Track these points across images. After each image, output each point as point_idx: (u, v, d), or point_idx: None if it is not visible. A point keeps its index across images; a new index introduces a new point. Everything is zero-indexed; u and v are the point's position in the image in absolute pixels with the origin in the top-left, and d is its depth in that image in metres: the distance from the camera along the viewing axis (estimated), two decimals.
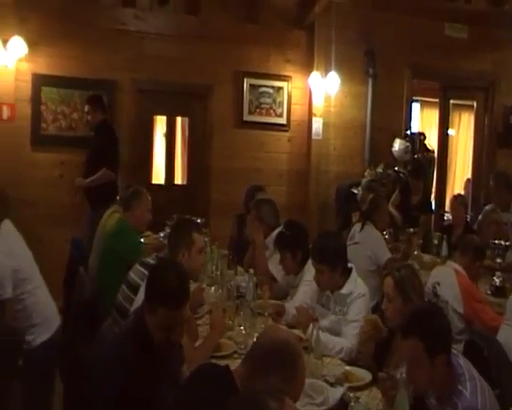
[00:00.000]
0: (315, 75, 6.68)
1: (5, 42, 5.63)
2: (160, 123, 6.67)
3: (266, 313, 3.30)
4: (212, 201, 6.55)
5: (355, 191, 6.11)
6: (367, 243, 4.74)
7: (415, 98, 7.84)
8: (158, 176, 6.66)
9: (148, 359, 2.23)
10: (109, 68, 6.14)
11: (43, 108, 5.97)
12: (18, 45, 5.68)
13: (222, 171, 6.55)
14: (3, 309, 2.90)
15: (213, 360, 2.66)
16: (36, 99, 5.93)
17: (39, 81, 5.94)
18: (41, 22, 5.90)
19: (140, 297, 2.92)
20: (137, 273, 3.37)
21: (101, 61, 6.10)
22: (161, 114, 6.63)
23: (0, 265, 2.96)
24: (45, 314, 3.19)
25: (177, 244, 3.14)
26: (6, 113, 5.74)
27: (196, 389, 1.98)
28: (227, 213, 5.81)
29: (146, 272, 3.26)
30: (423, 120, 9.72)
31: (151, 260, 3.39)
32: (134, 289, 3.29)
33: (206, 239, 4.65)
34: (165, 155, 6.66)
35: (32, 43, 5.82)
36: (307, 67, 6.81)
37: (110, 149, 5.66)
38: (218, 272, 3.96)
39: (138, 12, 6.32)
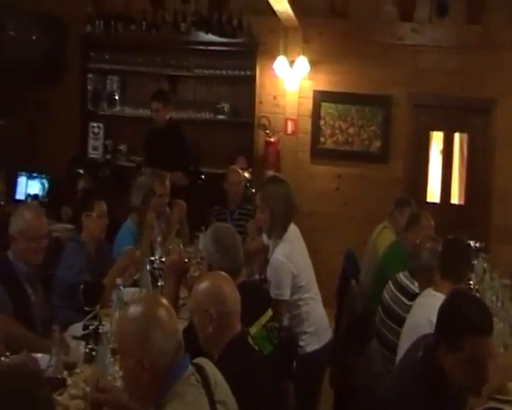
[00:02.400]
0: None
1: (292, 63, 6.08)
2: (437, 139, 6.42)
3: None
4: (493, 224, 6.02)
5: None
6: None
7: None
8: (433, 194, 6.41)
9: (442, 404, 2.08)
10: (385, 83, 6.16)
11: (322, 123, 6.26)
12: (302, 65, 6.08)
13: (505, 192, 5.98)
14: (281, 309, 3.05)
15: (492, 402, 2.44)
16: (316, 115, 6.25)
17: (319, 97, 6.24)
18: (323, 42, 6.22)
19: (407, 333, 2.82)
20: (392, 297, 3.31)
21: (378, 76, 6.15)
22: (438, 129, 6.37)
23: (282, 266, 3.13)
24: (317, 326, 3.26)
25: (462, 272, 2.94)
26: (290, 127, 6.19)
27: None
28: (511, 238, 5.31)
29: (401, 296, 3.22)
30: None
31: (404, 278, 3.30)
32: (388, 312, 3.27)
33: (485, 265, 4.32)
34: (442, 173, 6.36)
35: (314, 63, 6.17)
36: None
37: (184, 151, 5.35)
38: (499, 304, 3.62)
39: (415, 25, 6.20)
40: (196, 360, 1.88)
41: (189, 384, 1.74)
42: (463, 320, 2.08)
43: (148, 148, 5.50)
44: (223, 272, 2.43)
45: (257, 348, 2.42)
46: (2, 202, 4.70)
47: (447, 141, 6.36)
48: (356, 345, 3.57)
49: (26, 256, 2.97)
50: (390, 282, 3.42)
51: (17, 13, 6.14)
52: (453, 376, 2.07)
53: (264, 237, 3.59)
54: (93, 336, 2.63)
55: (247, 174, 5.34)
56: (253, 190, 5.30)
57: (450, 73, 6.05)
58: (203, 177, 5.80)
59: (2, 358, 2.00)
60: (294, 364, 2.96)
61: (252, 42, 6.14)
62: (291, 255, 3.18)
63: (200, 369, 1.82)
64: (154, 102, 5.41)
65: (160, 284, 3.26)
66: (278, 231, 3.24)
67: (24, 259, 2.98)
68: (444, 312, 2.19)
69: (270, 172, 5.80)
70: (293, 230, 3.30)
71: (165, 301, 1.87)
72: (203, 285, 2.28)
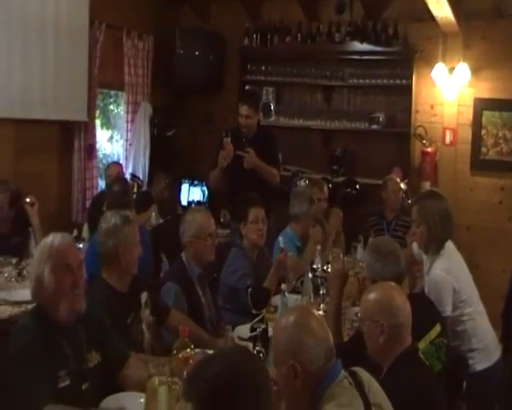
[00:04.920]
0: None
1: (451, 70, 5.84)
2: None
3: None
4: None
5: None
6: None
7: None
8: None
9: None
10: None
11: (483, 132, 5.92)
12: (462, 72, 5.82)
13: None
14: (445, 326, 2.94)
15: None
16: (477, 123, 5.93)
17: (481, 105, 5.91)
18: (486, 47, 5.88)
19: None
20: None
21: None
22: None
23: (442, 280, 3.01)
24: (485, 342, 3.10)
25: None
26: (449, 137, 5.94)
27: None
28: None
29: None
30: None
31: None
32: None
33: None
34: None
35: (475, 69, 5.86)
36: None
37: (277, 161, 4.82)
38: None
39: None
40: (350, 368, 1.90)
41: (343, 387, 1.78)
42: None
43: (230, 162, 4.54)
44: (393, 283, 2.40)
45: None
46: (179, 212, 5.05)
47: None
48: None
49: (202, 256, 3.19)
50: None
51: (184, 31, 6.58)
52: None
53: (415, 250, 3.49)
54: (260, 339, 2.72)
55: (403, 185, 5.22)
56: (409, 202, 5.18)
57: None
58: (358, 187, 5.78)
59: (188, 350, 2.16)
60: (465, 383, 2.83)
61: (408, 50, 5.99)
62: (451, 270, 3.07)
63: (352, 373, 1.85)
64: (244, 105, 4.62)
65: (321, 292, 3.29)
66: (435, 247, 3.15)
67: (199, 260, 3.20)
68: None
69: (427, 184, 5.64)
70: (449, 245, 3.18)
71: (315, 310, 1.96)
72: (375, 295, 2.27)
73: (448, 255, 3.12)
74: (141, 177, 5.98)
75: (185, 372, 1.51)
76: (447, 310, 3.00)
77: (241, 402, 1.42)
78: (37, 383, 2.00)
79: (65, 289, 2.16)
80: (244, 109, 4.63)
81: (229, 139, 4.50)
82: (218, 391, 1.41)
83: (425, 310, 2.73)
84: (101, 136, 6.44)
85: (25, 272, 3.51)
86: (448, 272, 3.04)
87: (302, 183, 5.28)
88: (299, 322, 1.81)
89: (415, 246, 3.42)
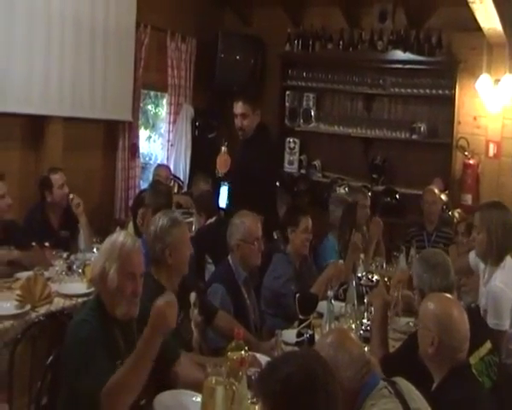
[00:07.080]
0: None
1: (496, 81, 5.76)
2: None
3: None
4: None
5: None
6: None
7: None
8: None
9: None
10: None
11: None
12: (508, 83, 5.73)
13: None
14: (500, 341, 2.89)
15: None
16: None
17: None
18: None
19: None
20: None
21: None
22: None
23: (502, 293, 2.99)
24: None
25: None
26: (492, 150, 5.87)
27: None
28: None
29: None
30: None
31: None
32: None
33: None
34: None
35: None
36: None
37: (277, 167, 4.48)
38: None
39: None
40: (389, 378, 1.95)
41: (382, 396, 1.83)
42: None
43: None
44: (454, 299, 2.38)
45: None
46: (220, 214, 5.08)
47: None
48: None
49: (249, 259, 3.22)
50: None
51: (226, 35, 6.63)
52: None
53: (471, 260, 3.46)
54: (307, 344, 2.73)
55: (443, 197, 5.18)
56: (450, 213, 5.14)
57: None
58: (397, 196, 5.74)
59: (242, 352, 2.18)
60: None
61: (451, 60, 5.95)
62: (510, 284, 3.03)
63: (391, 383, 1.89)
64: (239, 102, 4.04)
65: (366, 300, 3.28)
66: (494, 258, 3.12)
67: (245, 263, 3.22)
68: None
69: (468, 196, 5.59)
70: (510, 259, 3.15)
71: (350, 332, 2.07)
72: (435, 305, 2.25)
73: (509, 269, 3.09)
74: (181, 178, 6.04)
75: (257, 372, 1.54)
76: (505, 324, 2.96)
77: (311, 407, 1.44)
78: (98, 373, 2.04)
79: (125, 295, 2.20)
80: (239, 106, 4.05)
81: (226, 148, 4.13)
82: (290, 392, 1.44)
83: (475, 325, 2.69)
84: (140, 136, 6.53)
85: (74, 266, 3.60)
86: (508, 285, 3.01)
87: (341, 190, 5.27)
88: (334, 342, 1.91)
89: (472, 255, 3.39)
